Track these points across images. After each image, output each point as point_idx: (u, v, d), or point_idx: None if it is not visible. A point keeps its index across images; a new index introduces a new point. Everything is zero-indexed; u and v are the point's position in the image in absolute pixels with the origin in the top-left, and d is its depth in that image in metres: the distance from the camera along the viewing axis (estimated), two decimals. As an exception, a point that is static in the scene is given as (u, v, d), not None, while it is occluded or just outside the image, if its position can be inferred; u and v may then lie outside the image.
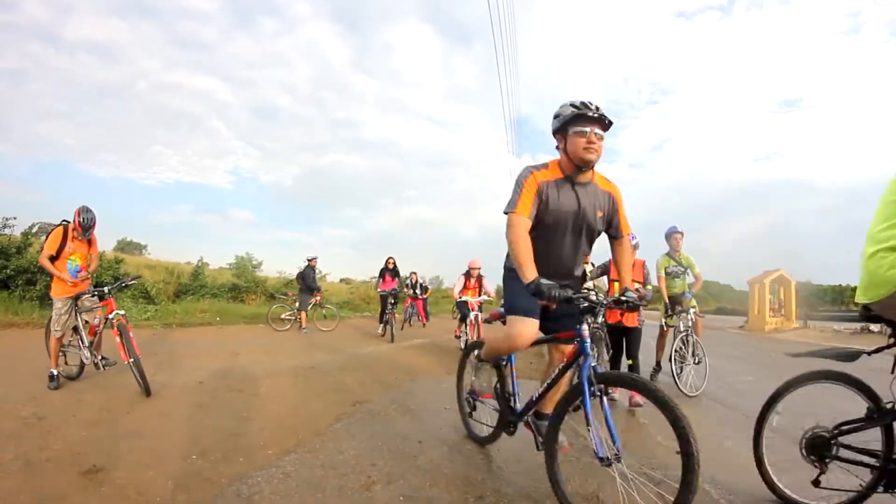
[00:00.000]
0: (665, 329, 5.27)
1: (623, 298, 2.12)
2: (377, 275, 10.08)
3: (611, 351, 4.27)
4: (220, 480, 2.22)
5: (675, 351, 4.80)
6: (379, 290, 9.61)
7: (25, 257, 9.06)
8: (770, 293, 17.21)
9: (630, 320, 4.23)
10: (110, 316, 3.88)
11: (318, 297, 10.08)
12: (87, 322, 4.06)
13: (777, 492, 2.18)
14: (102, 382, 4.11)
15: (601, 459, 1.81)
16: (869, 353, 2.01)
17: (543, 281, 1.88)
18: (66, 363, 4.13)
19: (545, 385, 2.21)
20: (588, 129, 2.04)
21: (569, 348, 2.15)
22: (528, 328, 2.17)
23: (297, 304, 10.00)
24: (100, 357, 4.03)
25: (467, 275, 7.23)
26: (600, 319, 4.39)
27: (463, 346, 6.89)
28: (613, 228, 2.32)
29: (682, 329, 4.91)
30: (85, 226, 3.97)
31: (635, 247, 4.14)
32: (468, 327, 6.80)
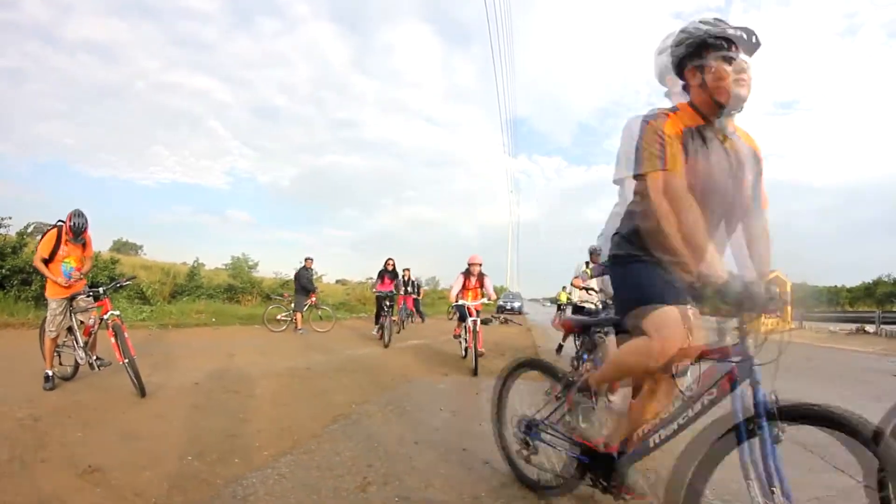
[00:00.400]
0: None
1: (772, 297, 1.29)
2: (376, 276, 9.75)
3: None
4: (216, 482, 2.22)
5: None
6: (375, 290, 9.28)
7: (21, 257, 9.01)
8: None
9: None
10: (105, 316, 3.88)
11: (314, 299, 10.07)
12: (81, 322, 4.05)
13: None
14: (97, 383, 4.10)
15: None
16: None
17: (746, 278, 1.32)
18: (60, 363, 4.12)
19: (673, 424, 1.53)
20: (734, 54, 1.52)
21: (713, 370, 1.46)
22: (680, 323, 1.54)
23: (292, 305, 9.99)
24: (95, 357, 4.02)
25: (467, 273, 6.46)
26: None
27: (464, 352, 6.19)
28: (752, 198, 1.68)
29: None
30: (76, 231, 3.96)
31: None
32: (466, 333, 6.06)
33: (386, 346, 7.67)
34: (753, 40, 1.53)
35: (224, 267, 16.87)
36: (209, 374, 4.75)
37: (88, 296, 4.01)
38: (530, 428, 2.13)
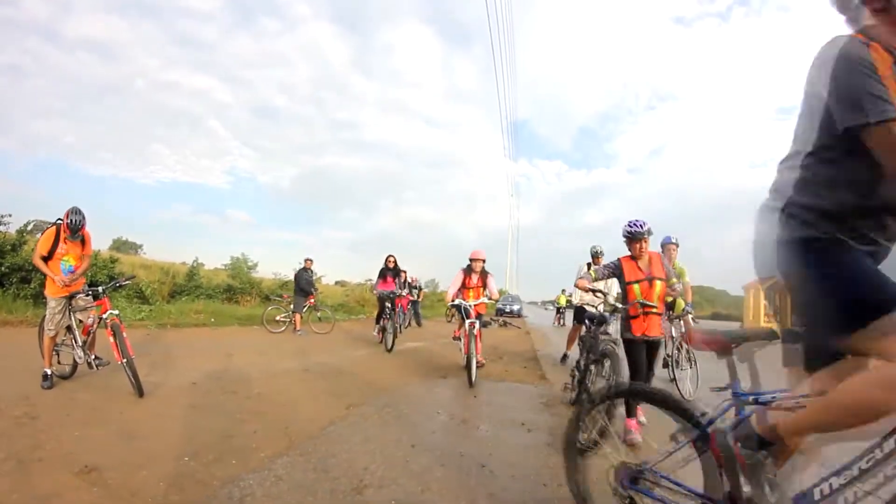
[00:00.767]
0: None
1: None
2: (377, 275, 8.84)
3: (650, 372, 3.45)
4: (213, 482, 2.22)
5: (668, 356, 4.84)
6: (376, 291, 8.55)
7: (20, 255, 9.00)
8: (765, 298, 17.27)
9: (657, 330, 3.43)
10: (104, 316, 3.88)
11: (313, 300, 10.07)
12: (80, 321, 4.06)
13: None
14: (95, 382, 4.10)
15: None
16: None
17: None
18: (58, 362, 4.12)
19: (852, 469, 1.10)
20: None
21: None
22: None
23: (291, 306, 9.99)
24: (93, 356, 4.02)
25: (468, 270, 5.73)
26: (612, 329, 3.82)
27: (465, 360, 5.13)
28: None
29: (674, 336, 4.96)
30: (73, 228, 3.97)
31: (648, 232, 3.43)
32: (463, 338, 5.37)
33: (389, 350, 7.32)
34: None
35: (223, 267, 16.87)
36: (207, 375, 4.75)
37: (87, 295, 4.02)
38: (636, 481, 1.59)
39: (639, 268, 3.48)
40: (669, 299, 4.48)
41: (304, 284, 9.91)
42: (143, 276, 12.48)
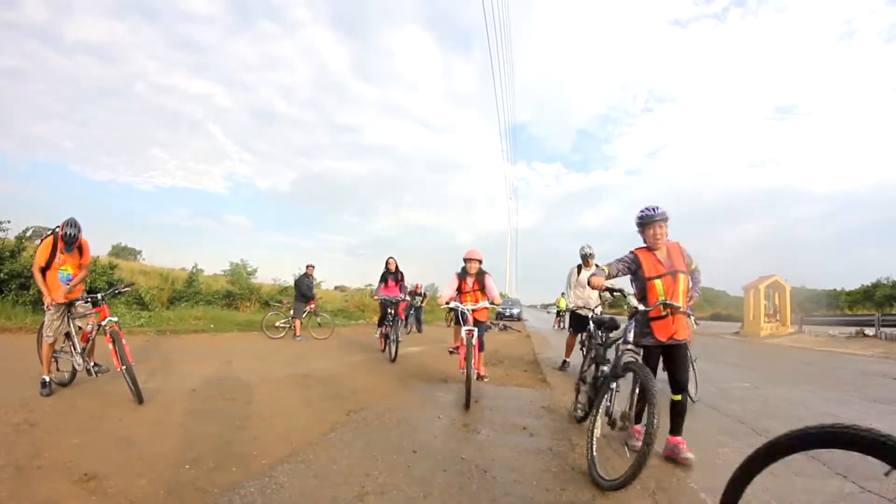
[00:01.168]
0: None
1: None
2: (378, 280, 8.14)
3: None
4: (213, 490, 2.21)
5: None
6: (377, 297, 7.92)
7: (19, 261, 9.00)
8: (765, 298, 17.28)
9: (685, 331, 2.94)
10: (103, 323, 3.86)
11: (313, 305, 10.06)
12: (79, 328, 4.04)
13: None
14: (95, 389, 4.08)
15: None
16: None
17: None
18: (57, 369, 4.10)
19: None
20: None
21: None
22: None
23: (291, 311, 9.98)
24: (92, 363, 4.00)
25: (462, 273, 5.18)
26: (630, 337, 3.09)
27: (465, 375, 4.21)
28: None
29: None
30: (68, 241, 3.96)
31: (664, 217, 2.98)
32: (461, 350, 4.74)
33: (392, 360, 6.88)
34: None
35: (223, 273, 16.86)
36: (207, 381, 4.73)
37: (87, 301, 4.01)
38: None
39: (659, 261, 2.98)
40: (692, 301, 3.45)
41: (304, 290, 9.90)
42: (143, 282, 12.46)
